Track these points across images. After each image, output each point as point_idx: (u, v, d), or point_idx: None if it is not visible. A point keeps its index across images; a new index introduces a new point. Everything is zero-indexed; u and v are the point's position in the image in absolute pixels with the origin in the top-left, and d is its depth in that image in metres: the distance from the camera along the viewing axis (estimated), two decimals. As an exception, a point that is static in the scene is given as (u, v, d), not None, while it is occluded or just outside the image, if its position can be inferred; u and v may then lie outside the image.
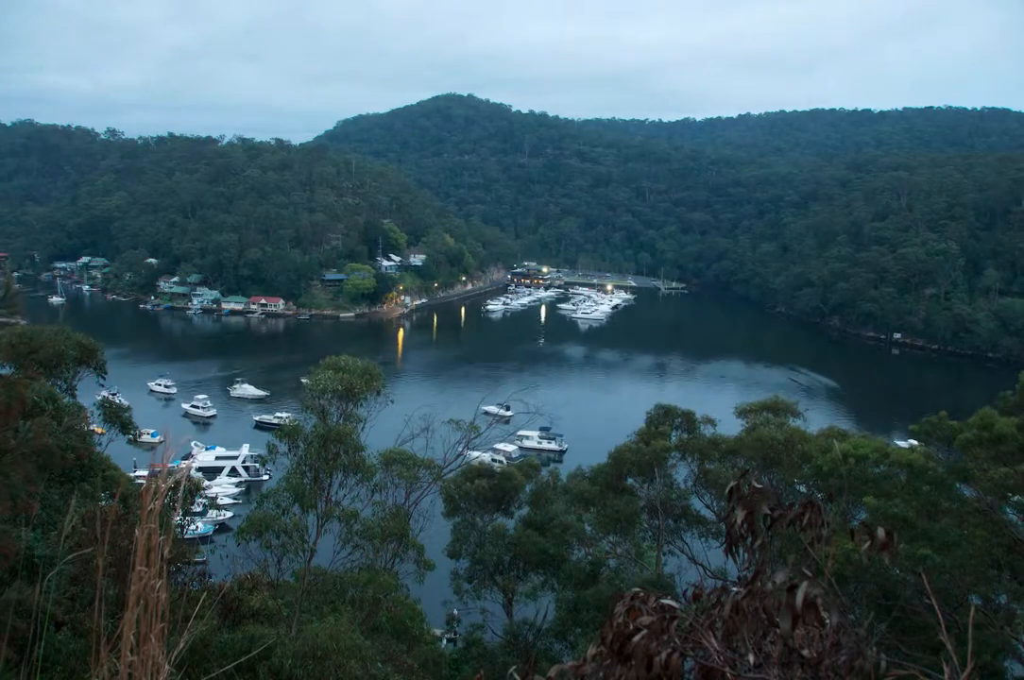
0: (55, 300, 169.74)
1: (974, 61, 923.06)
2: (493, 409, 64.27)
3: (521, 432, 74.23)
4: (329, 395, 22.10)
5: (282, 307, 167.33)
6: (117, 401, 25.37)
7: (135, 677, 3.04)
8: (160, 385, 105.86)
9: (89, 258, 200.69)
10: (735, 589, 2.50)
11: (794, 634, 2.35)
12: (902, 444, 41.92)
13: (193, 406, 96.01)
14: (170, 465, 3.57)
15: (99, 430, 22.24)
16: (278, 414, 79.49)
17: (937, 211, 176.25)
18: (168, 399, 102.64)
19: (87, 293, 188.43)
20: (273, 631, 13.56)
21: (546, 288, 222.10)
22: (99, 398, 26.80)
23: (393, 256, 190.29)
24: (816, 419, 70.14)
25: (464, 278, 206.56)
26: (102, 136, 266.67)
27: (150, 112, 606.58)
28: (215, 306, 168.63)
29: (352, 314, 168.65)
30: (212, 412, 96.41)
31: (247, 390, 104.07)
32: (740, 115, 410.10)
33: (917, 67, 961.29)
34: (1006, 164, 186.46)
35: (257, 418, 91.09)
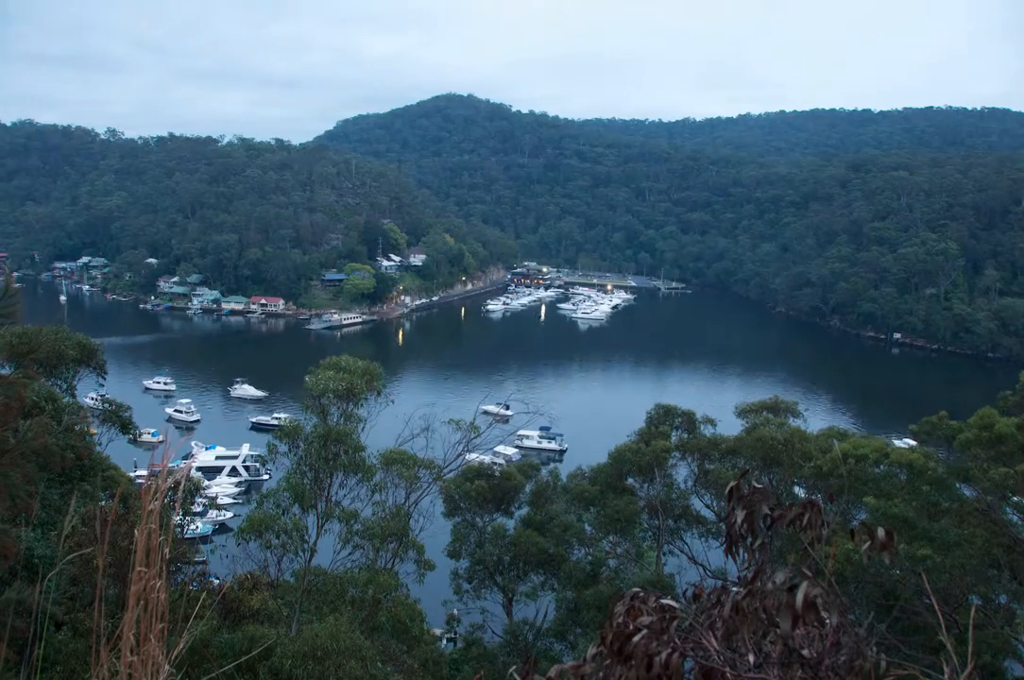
0: (63, 299, 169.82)
1: (975, 61, 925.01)
2: (492, 409, 64.22)
3: (521, 432, 74.00)
4: (330, 395, 22.13)
5: (282, 307, 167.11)
6: (108, 400, 25.35)
7: (135, 677, 3.04)
8: (158, 383, 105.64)
9: (89, 258, 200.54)
10: (735, 589, 2.50)
11: (794, 634, 2.36)
12: (902, 444, 41.89)
13: (176, 410, 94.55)
14: (170, 465, 3.57)
15: (92, 431, 22.20)
16: (276, 415, 79.32)
17: (937, 211, 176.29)
18: (168, 396, 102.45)
19: (87, 293, 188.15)
20: (273, 631, 13.56)
21: (546, 288, 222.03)
22: (90, 400, 26.76)
23: (393, 256, 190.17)
24: (816, 419, 70.35)
25: (464, 278, 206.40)
26: (102, 136, 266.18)
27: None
28: (215, 306, 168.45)
29: (352, 314, 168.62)
30: (196, 417, 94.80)
31: (247, 390, 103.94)
32: (740, 115, 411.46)
33: (917, 67, 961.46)
34: (1006, 164, 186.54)
35: (254, 420, 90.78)
